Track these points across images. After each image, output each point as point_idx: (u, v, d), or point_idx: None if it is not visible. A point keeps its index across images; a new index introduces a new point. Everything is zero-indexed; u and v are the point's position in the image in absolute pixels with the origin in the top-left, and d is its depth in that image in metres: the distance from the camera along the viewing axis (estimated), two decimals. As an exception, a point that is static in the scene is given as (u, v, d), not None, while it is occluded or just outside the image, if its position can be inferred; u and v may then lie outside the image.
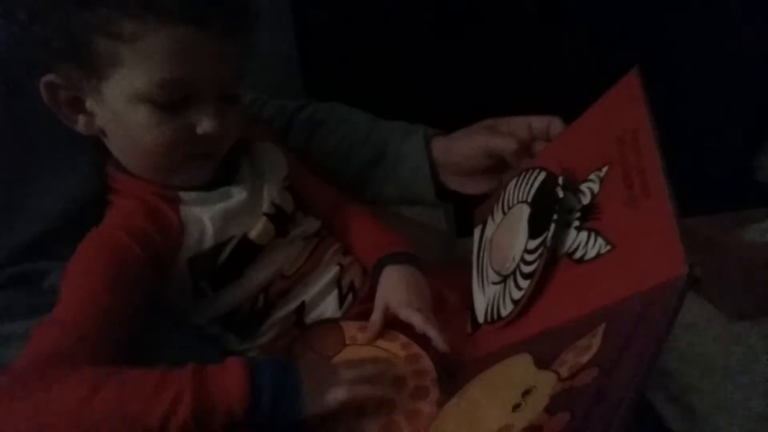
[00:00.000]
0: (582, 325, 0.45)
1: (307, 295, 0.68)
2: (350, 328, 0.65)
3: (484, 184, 0.79)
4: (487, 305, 0.63)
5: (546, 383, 0.41)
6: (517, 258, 0.59)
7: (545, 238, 0.55)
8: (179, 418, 0.47)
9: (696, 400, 0.80)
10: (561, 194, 0.57)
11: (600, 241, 0.50)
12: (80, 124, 0.60)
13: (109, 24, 0.53)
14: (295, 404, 0.50)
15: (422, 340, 0.62)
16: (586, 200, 0.56)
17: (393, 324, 0.64)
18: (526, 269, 0.56)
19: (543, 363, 0.45)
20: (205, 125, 0.58)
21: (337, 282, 0.70)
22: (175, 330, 0.62)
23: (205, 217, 0.62)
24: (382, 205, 0.86)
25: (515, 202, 0.67)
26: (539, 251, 0.55)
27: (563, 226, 0.56)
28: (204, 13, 0.55)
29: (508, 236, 0.64)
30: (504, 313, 0.58)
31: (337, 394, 0.51)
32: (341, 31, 1.21)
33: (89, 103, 0.59)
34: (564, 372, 0.40)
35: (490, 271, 0.66)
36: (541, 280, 0.54)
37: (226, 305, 0.65)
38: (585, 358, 0.39)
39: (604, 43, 0.98)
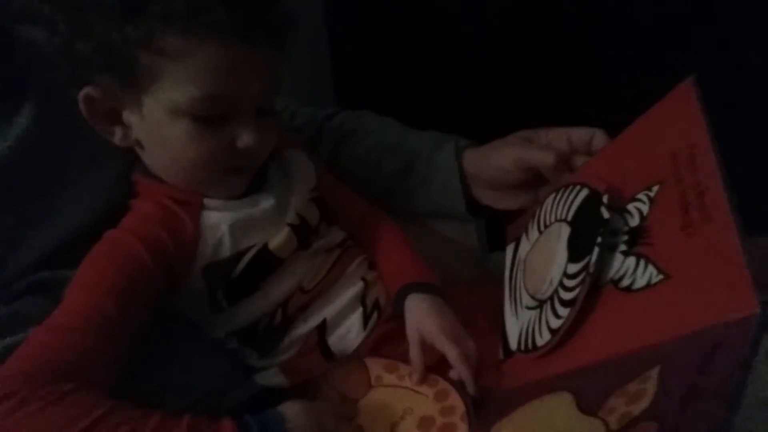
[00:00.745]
0: (631, 365, 0.41)
1: (329, 312, 0.65)
2: (375, 367, 0.63)
3: (518, 199, 0.75)
4: (521, 331, 0.58)
5: (593, 434, 0.36)
6: (555, 282, 0.55)
7: (588, 262, 0.50)
8: None
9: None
10: (606, 215, 0.52)
11: (651, 269, 0.45)
12: (117, 136, 0.60)
13: (153, 40, 0.53)
14: None
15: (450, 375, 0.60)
16: (634, 222, 0.51)
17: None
18: (566, 296, 0.51)
19: (587, 407, 0.40)
20: (245, 139, 0.58)
21: (361, 299, 0.67)
22: (194, 344, 0.61)
23: (224, 224, 0.60)
24: (411, 217, 0.83)
25: (553, 220, 0.62)
26: (581, 276, 0.50)
27: (607, 250, 0.51)
28: (249, 30, 0.55)
29: (544, 258, 0.60)
30: (540, 342, 0.53)
31: None
32: (374, 39, 1.19)
33: (126, 115, 0.58)
34: (613, 423, 0.36)
35: (524, 294, 0.62)
36: (583, 309, 0.50)
37: (243, 319, 0.63)
38: (638, 408, 0.35)
39: (655, 48, 0.92)
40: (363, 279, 0.68)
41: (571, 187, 0.62)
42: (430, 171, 0.78)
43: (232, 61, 0.55)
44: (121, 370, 0.52)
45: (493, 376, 0.60)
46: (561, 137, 0.70)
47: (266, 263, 0.62)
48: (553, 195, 0.65)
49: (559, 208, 0.62)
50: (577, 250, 0.54)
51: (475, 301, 0.72)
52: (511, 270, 0.68)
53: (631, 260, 0.48)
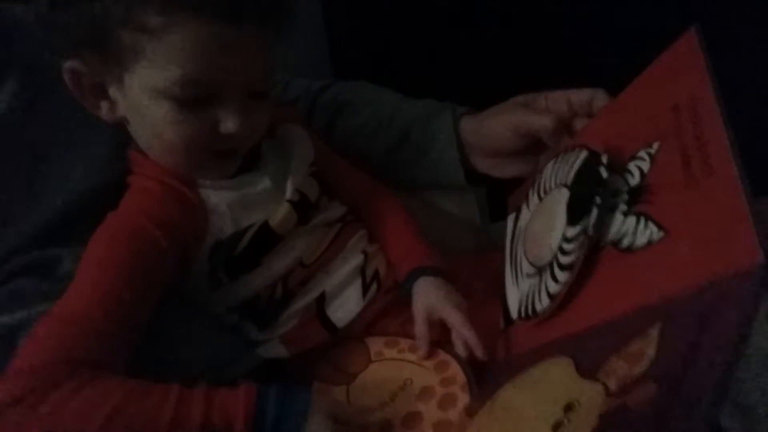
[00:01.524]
0: (631, 324, 0.39)
1: (329, 284, 0.65)
2: (376, 344, 0.62)
3: (518, 167, 0.73)
4: (521, 300, 0.57)
5: (592, 397, 0.35)
6: (555, 248, 0.53)
7: (586, 224, 0.48)
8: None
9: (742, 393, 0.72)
10: (605, 174, 0.50)
11: (651, 226, 0.44)
12: (103, 110, 0.58)
13: (132, 15, 0.50)
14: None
15: (450, 344, 0.60)
16: (634, 181, 0.49)
17: None
18: (565, 260, 0.50)
19: (587, 370, 0.38)
20: (228, 125, 0.55)
21: (361, 270, 0.66)
22: (194, 319, 0.61)
23: (223, 203, 0.59)
24: (410, 189, 0.81)
25: (553, 186, 0.60)
26: (579, 239, 0.49)
27: (607, 211, 0.49)
28: (234, 10, 0.51)
29: (544, 224, 0.58)
30: (539, 308, 0.52)
31: None
32: (370, 6, 1.16)
33: (112, 91, 0.56)
34: (613, 384, 0.34)
35: (524, 262, 0.60)
36: (582, 272, 0.48)
37: (243, 295, 0.62)
38: (638, 369, 0.33)
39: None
40: (363, 252, 0.67)
41: (570, 151, 0.60)
42: (427, 141, 0.76)
43: (215, 43, 0.51)
44: (133, 352, 0.52)
45: (493, 346, 0.59)
46: (561, 100, 0.68)
47: (267, 240, 0.61)
48: (553, 160, 0.63)
49: (559, 173, 0.60)
50: (576, 213, 0.52)
51: (476, 273, 0.72)
52: (512, 240, 0.66)
53: (632, 220, 0.46)
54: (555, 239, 0.54)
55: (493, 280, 0.66)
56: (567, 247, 0.51)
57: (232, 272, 0.60)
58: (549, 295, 0.51)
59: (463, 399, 0.54)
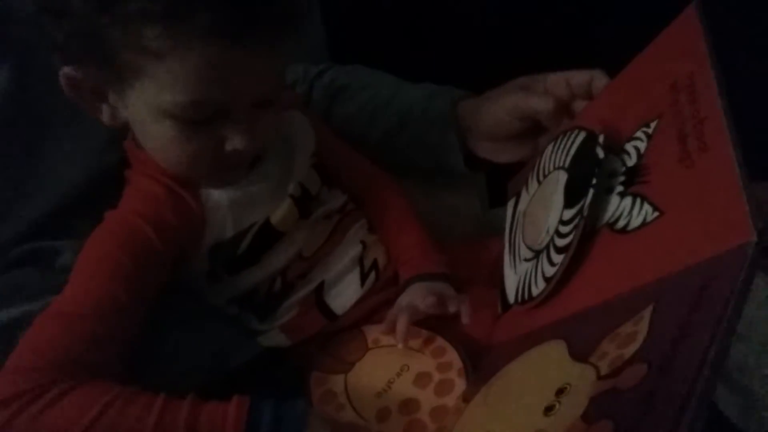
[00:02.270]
0: (624, 306, 0.38)
1: (327, 274, 0.64)
2: (373, 332, 0.62)
3: (518, 150, 0.72)
4: (518, 284, 0.56)
5: (583, 380, 0.34)
6: (552, 230, 0.52)
7: (582, 206, 0.47)
8: None
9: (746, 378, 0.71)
10: (601, 155, 0.49)
11: (646, 207, 0.43)
12: (104, 115, 0.55)
13: (132, 37, 0.47)
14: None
15: (447, 331, 0.59)
16: (631, 161, 0.48)
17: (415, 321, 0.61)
18: (561, 242, 0.49)
19: (579, 353, 0.37)
20: (235, 143, 0.52)
21: (359, 260, 0.65)
22: (194, 309, 0.60)
23: (224, 203, 0.57)
24: (408, 174, 0.79)
25: (551, 169, 0.60)
26: (575, 221, 0.48)
27: (603, 192, 0.48)
28: (239, 31, 0.47)
29: (542, 207, 0.57)
30: (535, 292, 0.51)
31: None
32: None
33: (112, 98, 0.54)
34: (604, 367, 0.33)
35: (522, 246, 0.59)
36: (577, 255, 0.47)
37: (242, 288, 0.61)
38: (629, 351, 0.32)
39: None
40: (362, 242, 0.67)
41: (569, 133, 0.59)
42: (426, 125, 0.75)
43: (220, 66, 0.48)
44: (130, 353, 0.51)
45: (490, 331, 0.58)
46: (559, 82, 0.66)
47: (268, 237, 0.60)
48: (552, 143, 0.62)
49: (557, 155, 0.59)
50: (572, 195, 0.51)
51: (475, 259, 0.71)
52: (512, 225, 0.66)
53: (627, 201, 0.45)
54: (552, 222, 0.53)
55: (493, 267, 0.66)
56: (563, 229, 0.50)
57: (232, 269, 0.60)
58: (545, 278, 0.50)
59: (460, 385, 0.53)
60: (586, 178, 0.49)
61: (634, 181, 0.46)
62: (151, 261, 0.53)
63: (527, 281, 0.54)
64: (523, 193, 0.66)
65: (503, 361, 0.48)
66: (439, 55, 1.04)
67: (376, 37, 1.05)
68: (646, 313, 0.34)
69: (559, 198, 0.54)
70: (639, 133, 0.48)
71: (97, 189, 0.60)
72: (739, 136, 0.38)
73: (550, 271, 0.49)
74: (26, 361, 0.47)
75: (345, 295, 0.64)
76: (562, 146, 0.59)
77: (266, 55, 0.50)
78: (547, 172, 0.61)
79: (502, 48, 1.05)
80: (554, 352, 0.42)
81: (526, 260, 0.57)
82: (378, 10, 1.13)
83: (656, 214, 0.41)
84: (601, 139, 0.50)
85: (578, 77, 0.65)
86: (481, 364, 0.55)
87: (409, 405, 0.53)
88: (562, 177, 0.56)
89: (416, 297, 0.61)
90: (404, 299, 0.62)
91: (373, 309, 0.64)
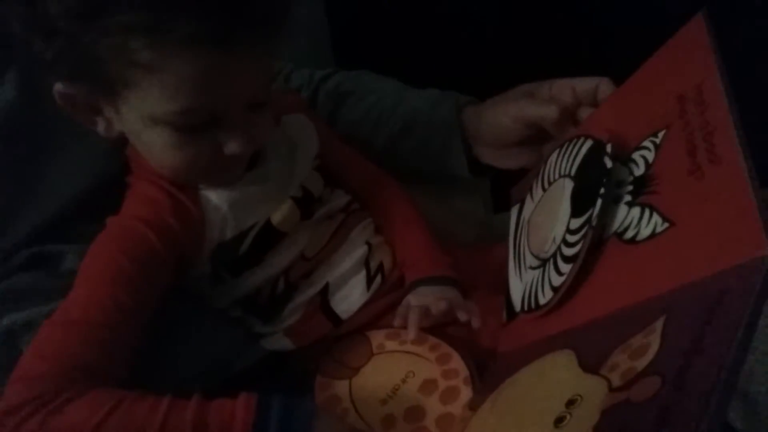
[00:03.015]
0: (635, 317, 0.38)
1: (332, 276, 0.64)
2: (377, 337, 0.61)
3: (522, 157, 0.72)
4: (524, 292, 0.56)
5: (595, 393, 0.34)
6: (558, 240, 0.52)
7: (590, 215, 0.47)
8: None
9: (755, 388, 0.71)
10: (609, 164, 0.49)
11: (656, 217, 0.43)
12: (100, 127, 0.56)
13: (118, 52, 0.47)
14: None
15: (452, 338, 0.59)
16: (639, 171, 0.48)
17: (420, 327, 0.61)
18: (568, 252, 0.49)
19: (590, 365, 0.37)
20: (232, 147, 0.53)
21: (365, 263, 0.65)
22: (198, 312, 0.60)
23: (224, 204, 0.57)
24: (412, 179, 0.79)
25: (557, 176, 0.59)
26: (583, 231, 0.48)
27: (611, 202, 0.48)
28: (225, 35, 0.47)
29: (548, 215, 0.57)
30: (543, 301, 0.51)
31: None
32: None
33: (107, 110, 0.54)
34: (616, 379, 0.33)
35: (528, 254, 0.59)
36: (586, 264, 0.47)
37: (245, 290, 0.61)
38: (642, 363, 0.32)
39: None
40: (367, 243, 0.66)
41: (575, 140, 0.59)
42: (430, 131, 0.75)
43: (210, 71, 0.48)
44: (135, 357, 0.51)
45: (496, 338, 0.58)
46: (565, 89, 0.66)
47: (270, 238, 0.60)
48: (557, 151, 0.62)
49: (563, 163, 0.59)
50: (580, 204, 0.51)
51: (479, 265, 0.70)
52: (516, 231, 0.66)
53: (636, 210, 0.45)
54: (559, 231, 0.53)
55: (497, 273, 0.65)
56: (571, 238, 0.50)
57: (234, 270, 0.60)
58: (552, 287, 0.50)
59: (466, 392, 0.53)
60: (594, 187, 0.49)
61: (643, 191, 0.46)
62: (155, 265, 0.54)
63: (534, 290, 0.54)
64: (528, 200, 0.65)
65: (510, 369, 0.48)
66: (445, 59, 1.04)
67: (381, 41, 1.05)
68: (658, 325, 0.34)
69: (566, 206, 0.54)
70: (647, 143, 0.48)
71: (100, 195, 0.60)
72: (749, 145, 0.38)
73: (557, 280, 0.49)
74: (34, 368, 0.47)
75: (351, 298, 0.63)
76: (567, 154, 0.59)
77: (252, 57, 0.51)
78: (552, 180, 0.61)
79: (508, 53, 1.05)
80: (563, 362, 0.41)
81: (532, 268, 0.57)
82: (383, 15, 1.14)
83: (666, 225, 0.41)
84: (608, 148, 0.50)
85: (584, 84, 0.65)
86: (488, 372, 0.54)
87: (414, 412, 0.53)
88: (568, 185, 0.56)
89: (427, 299, 0.61)
90: (413, 299, 0.62)
91: (378, 314, 0.64)
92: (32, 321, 0.54)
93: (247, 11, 0.48)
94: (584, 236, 0.47)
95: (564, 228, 0.52)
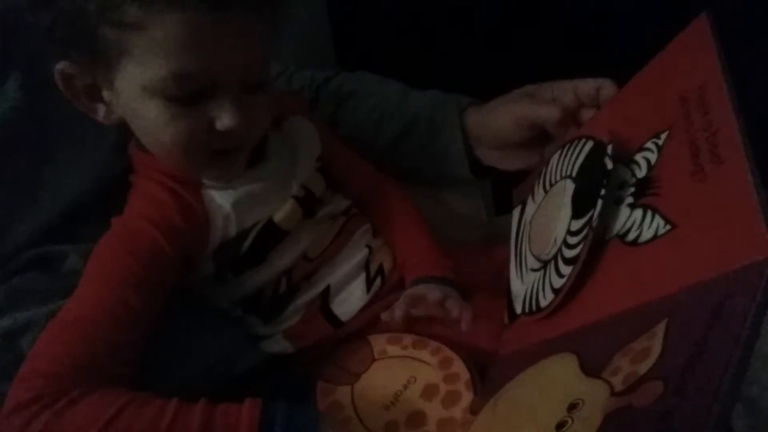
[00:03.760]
0: (635, 321, 0.38)
1: (333, 278, 0.64)
2: (379, 342, 0.61)
3: (524, 159, 0.71)
4: (526, 294, 0.56)
5: (596, 397, 0.34)
6: (559, 241, 0.52)
7: (591, 216, 0.47)
8: None
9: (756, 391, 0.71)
10: (610, 165, 0.49)
11: (658, 219, 0.42)
12: (100, 113, 0.56)
13: (109, 11, 0.48)
14: None
15: (453, 342, 0.59)
16: (641, 173, 0.48)
17: (421, 331, 0.61)
18: (569, 253, 0.49)
19: (591, 368, 0.37)
20: (224, 121, 0.52)
21: (365, 265, 0.65)
22: (199, 314, 0.60)
23: (226, 203, 0.57)
24: (414, 181, 0.79)
25: (558, 178, 0.59)
26: (584, 232, 0.47)
27: (613, 203, 0.48)
28: None
29: (549, 217, 0.57)
30: (544, 303, 0.51)
31: None
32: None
33: (106, 93, 0.54)
34: (618, 383, 0.33)
35: (529, 256, 0.59)
36: (587, 267, 0.47)
37: (247, 289, 0.61)
38: (644, 367, 0.32)
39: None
40: (368, 246, 0.66)
41: (576, 142, 0.58)
42: (432, 132, 0.75)
43: (200, 33, 0.48)
44: (141, 357, 0.51)
45: (497, 341, 0.58)
46: (567, 91, 0.66)
47: (272, 236, 0.60)
48: (558, 152, 0.62)
49: (564, 164, 0.59)
50: (581, 205, 0.51)
51: (480, 266, 0.70)
52: (517, 233, 0.65)
53: (638, 212, 0.45)
54: (560, 232, 0.53)
55: (498, 275, 0.65)
56: (572, 240, 0.50)
57: (237, 269, 0.60)
58: (553, 289, 0.50)
59: (467, 396, 0.53)
60: (595, 188, 0.48)
61: (645, 192, 0.46)
62: (161, 264, 0.54)
63: (535, 292, 0.53)
64: (529, 202, 0.65)
65: (511, 372, 0.48)
66: (447, 60, 1.04)
67: (383, 42, 1.05)
68: (660, 329, 0.34)
69: (566, 208, 0.53)
70: (649, 144, 0.48)
71: (104, 195, 0.60)
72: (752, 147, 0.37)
73: (558, 282, 0.49)
74: (41, 367, 0.47)
75: (350, 301, 0.63)
76: (569, 155, 0.59)
77: (246, 25, 0.51)
78: (553, 181, 0.60)
79: (510, 54, 1.05)
80: (565, 365, 0.41)
81: (534, 270, 0.56)
82: (385, 17, 1.13)
83: (668, 227, 0.41)
84: (609, 149, 0.50)
85: (586, 85, 0.65)
86: (489, 375, 0.54)
87: (416, 418, 0.53)
88: (570, 186, 0.55)
89: (425, 289, 0.61)
90: (410, 289, 0.62)
91: (378, 316, 0.63)
92: (33, 321, 0.54)
93: None
94: (585, 238, 0.47)
95: (565, 229, 0.52)
